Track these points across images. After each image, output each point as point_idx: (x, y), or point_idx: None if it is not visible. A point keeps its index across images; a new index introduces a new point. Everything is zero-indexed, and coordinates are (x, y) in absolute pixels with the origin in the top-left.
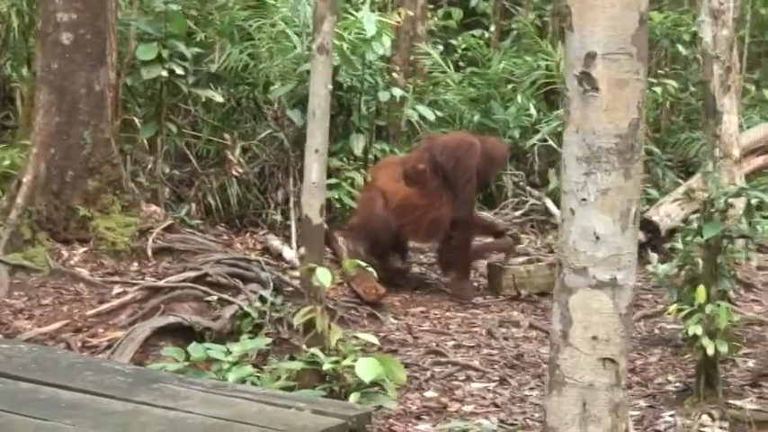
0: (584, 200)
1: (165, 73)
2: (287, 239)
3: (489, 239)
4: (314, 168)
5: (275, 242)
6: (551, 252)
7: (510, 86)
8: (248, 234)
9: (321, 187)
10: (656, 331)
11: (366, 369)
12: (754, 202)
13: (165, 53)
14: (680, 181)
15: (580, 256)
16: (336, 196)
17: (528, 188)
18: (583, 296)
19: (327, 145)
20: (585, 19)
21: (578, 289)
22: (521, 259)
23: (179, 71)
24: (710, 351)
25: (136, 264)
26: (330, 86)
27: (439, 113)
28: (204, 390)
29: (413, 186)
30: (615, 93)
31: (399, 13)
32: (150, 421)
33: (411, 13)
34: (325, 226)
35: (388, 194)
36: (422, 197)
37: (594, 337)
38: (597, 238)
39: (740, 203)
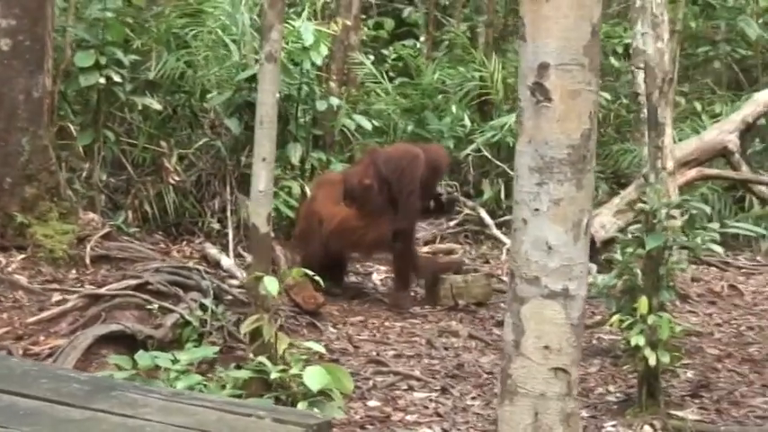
0: (536, 210)
1: (102, 80)
2: (224, 248)
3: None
4: (261, 177)
5: (213, 250)
6: (487, 262)
7: (443, 97)
8: (185, 242)
9: (268, 196)
10: (595, 342)
11: (314, 378)
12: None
13: (102, 60)
14: (614, 192)
15: (532, 266)
16: (273, 206)
17: (462, 198)
18: (535, 306)
19: (275, 153)
20: (539, 30)
21: (530, 299)
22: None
23: (116, 78)
24: (652, 362)
25: (74, 271)
26: (278, 95)
27: (375, 123)
28: (162, 398)
29: (354, 204)
30: (568, 103)
31: (336, 23)
32: (110, 429)
33: (348, 23)
34: (272, 234)
35: (324, 218)
36: (361, 217)
37: (547, 347)
38: (549, 248)
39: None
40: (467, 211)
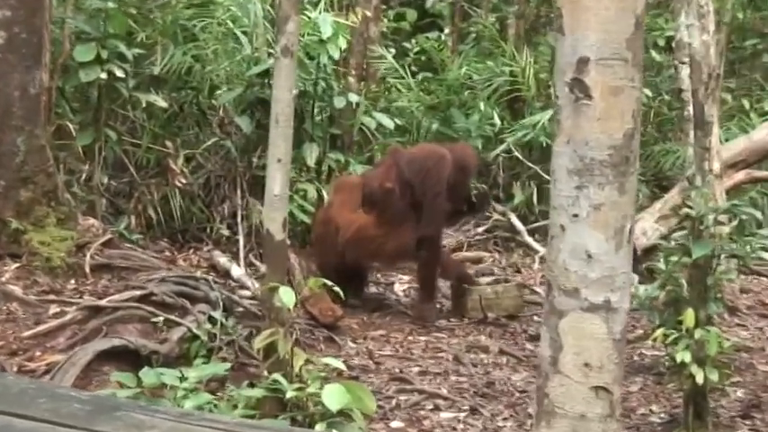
0: (575, 216)
1: (104, 75)
2: (234, 256)
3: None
4: (277, 179)
5: (222, 259)
6: (518, 272)
7: (470, 93)
8: (192, 250)
9: (284, 200)
10: (637, 358)
11: (333, 397)
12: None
13: (103, 54)
14: (656, 196)
15: (571, 277)
16: (287, 210)
17: (491, 203)
18: (574, 319)
19: (291, 154)
20: (578, 22)
21: (569, 312)
22: (486, 279)
23: (119, 73)
24: (699, 379)
25: (73, 281)
26: (295, 91)
27: (396, 121)
28: (170, 419)
29: (374, 210)
30: (609, 101)
31: (356, 14)
32: None
33: (368, 14)
34: (288, 242)
35: (341, 226)
36: (380, 225)
37: (587, 364)
38: (589, 256)
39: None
40: (496, 216)
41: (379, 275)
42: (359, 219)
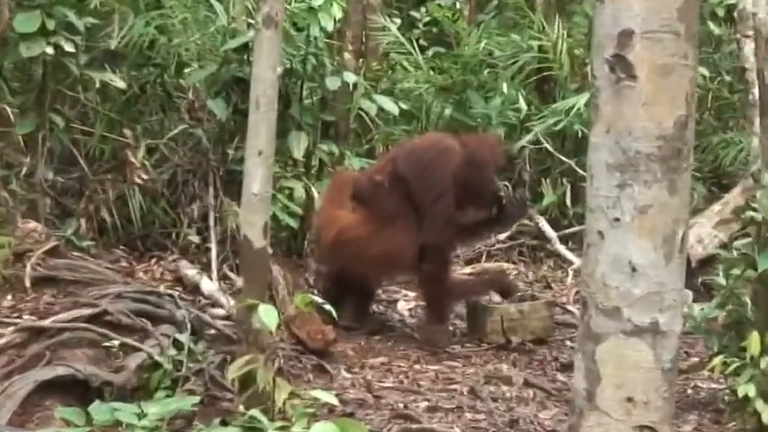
0: (616, 220)
1: (50, 50)
2: (205, 267)
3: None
4: (257, 175)
5: (190, 271)
6: (548, 287)
7: (491, 72)
8: (154, 260)
9: (265, 200)
10: (690, 391)
11: None
12: None
13: (50, 24)
14: (714, 196)
15: (611, 293)
16: (270, 213)
17: (528, 208)
18: (615, 345)
19: (274, 145)
20: None
21: (609, 336)
22: None
23: (68, 48)
24: (766, 418)
25: (10, 297)
26: (280, 69)
27: (402, 106)
28: None
29: (363, 209)
30: (657, 82)
31: None
32: None
33: None
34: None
35: (324, 226)
36: (365, 225)
37: (630, 399)
38: (634, 269)
39: None
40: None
41: (380, 292)
42: (342, 217)
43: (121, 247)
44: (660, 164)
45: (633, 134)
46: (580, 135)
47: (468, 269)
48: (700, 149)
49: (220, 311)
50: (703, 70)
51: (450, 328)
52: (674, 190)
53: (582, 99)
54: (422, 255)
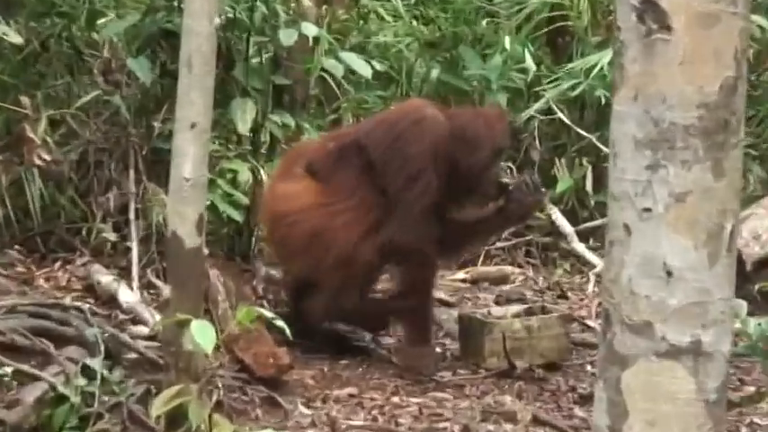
0: (647, 210)
1: None
2: (124, 273)
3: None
4: (189, 155)
5: (105, 277)
6: (563, 296)
7: (490, 23)
8: (59, 264)
9: (200, 186)
10: (745, 430)
11: None
12: None
13: None
14: None
15: (640, 304)
16: (208, 202)
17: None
18: (645, 370)
19: (212, 116)
20: None
21: (638, 359)
22: (514, 308)
23: None
24: None
25: None
26: (219, 19)
27: (376, 66)
28: None
29: (314, 183)
30: (698, 35)
31: None
32: None
33: None
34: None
35: (265, 207)
36: (302, 196)
37: None
38: (669, 273)
39: None
40: None
41: None
42: (281, 189)
43: (16, 247)
44: (702, 139)
45: (668, 101)
46: (603, 102)
47: (460, 274)
48: (755, 121)
49: (143, 329)
50: (759, 19)
51: (439, 349)
52: (721, 172)
53: (606, 56)
54: (392, 256)
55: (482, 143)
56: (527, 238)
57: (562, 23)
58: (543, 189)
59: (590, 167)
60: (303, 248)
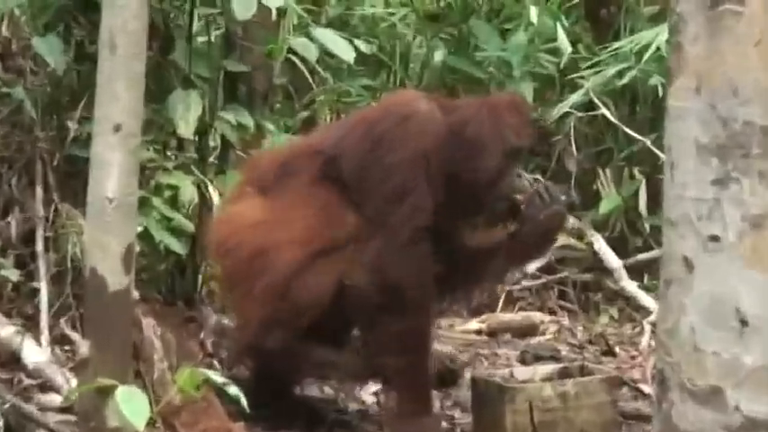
0: (713, 239)
1: None
2: (30, 322)
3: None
4: (113, 166)
5: (5, 329)
6: (609, 352)
7: None
8: None
9: (128, 208)
10: None
11: None
12: None
13: None
14: None
15: (707, 363)
16: (140, 228)
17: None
18: None
19: (141, 115)
20: None
21: None
22: (544, 369)
23: None
24: None
25: None
26: None
27: (361, 47)
28: None
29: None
30: None
31: None
32: None
33: None
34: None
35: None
36: (245, 214)
37: None
38: (743, 322)
39: None
40: (562, 240)
41: None
42: (233, 210)
43: None
44: None
45: (740, 94)
46: (660, 94)
47: (474, 324)
48: None
49: (55, 398)
50: None
51: (445, 423)
52: None
53: (664, 33)
54: (369, 296)
55: (488, 143)
56: (561, 275)
57: None
58: (564, 197)
59: (644, 181)
60: (243, 277)
